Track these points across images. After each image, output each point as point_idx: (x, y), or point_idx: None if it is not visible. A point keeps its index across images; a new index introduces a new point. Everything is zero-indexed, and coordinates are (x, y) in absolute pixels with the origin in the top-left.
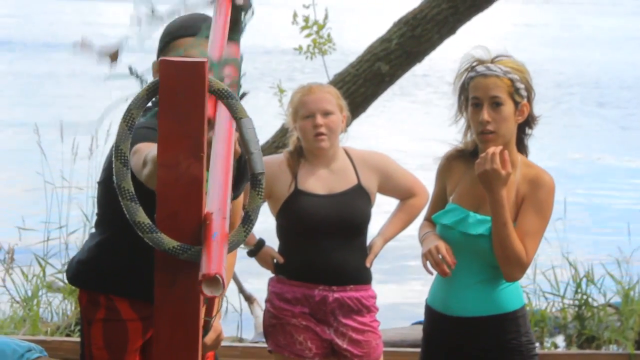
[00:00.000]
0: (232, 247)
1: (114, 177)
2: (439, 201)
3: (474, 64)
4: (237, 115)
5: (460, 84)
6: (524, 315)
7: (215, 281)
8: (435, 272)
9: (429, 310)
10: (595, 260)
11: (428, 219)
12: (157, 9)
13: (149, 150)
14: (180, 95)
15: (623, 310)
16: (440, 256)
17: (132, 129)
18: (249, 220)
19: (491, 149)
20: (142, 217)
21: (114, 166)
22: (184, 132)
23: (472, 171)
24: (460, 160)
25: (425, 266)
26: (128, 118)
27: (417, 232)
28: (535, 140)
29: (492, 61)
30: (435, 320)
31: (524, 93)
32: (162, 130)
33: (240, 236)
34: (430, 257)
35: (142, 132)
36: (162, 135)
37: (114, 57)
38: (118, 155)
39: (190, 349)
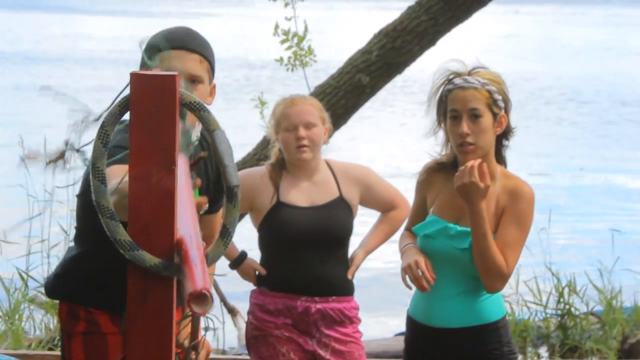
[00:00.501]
0: (212, 261)
1: (93, 195)
2: (419, 212)
3: (451, 76)
4: (210, 128)
5: (437, 97)
6: (505, 325)
7: (203, 297)
8: (414, 287)
9: (411, 321)
10: (578, 270)
11: (408, 229)
12: (93, 113)
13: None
14: (151, 109)
15: (606, 319)
16: (419, 272)
17: (107, 145)
18: (226, 233)
19: (469, 163)
20: (122, 234)
21: (92, 184)
22: (156, 145)
23: (451, 183)
24: (439, 172)
25: (404, 280)
26: (102, 135)
27: (398, 242)
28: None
29: (469, 73)
30: (417, 331)
31: (501, 104)
32: (134, 143)
33: (220, 249)
34: (409, 271)
35: (111, 151)
36: (134, 147)
37: (60, 158)
38: (95, 174)
39: (164, 359)
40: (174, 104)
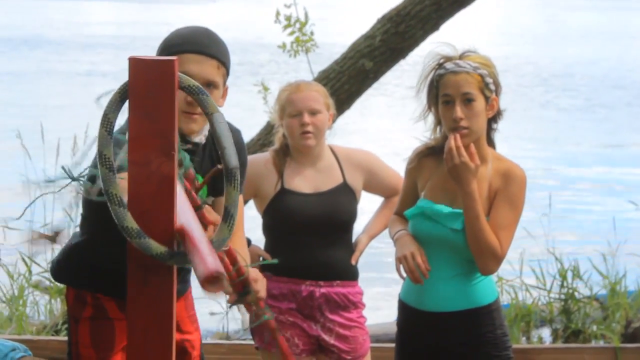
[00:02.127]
0: (219, 245)
1: (102, 183)
2: (409, 197)
3: (441, 61)
4: (209, 111)
5: (428, 81)
6: (498, 308)
7: (217, 279)
8: (406, 275)
9: (403, 305)
10: (582, 254)
11: (398, 213)
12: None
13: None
14: (150, 94)
15: (609, 304)
16: (415, 264)
17: (111, 133)
18: (229, 215)
19: (452, 142)
20: (130, 222)
21: (99, 172)
22: (155, 131)
23: (442, 167)
24: (430, 156)
25: (398, 270)
26: (106, 123)
27: (389, 226)
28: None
29: (460, 57)
30: (409, 316)
31: (492, 87)
32: (133, 128)
33: (225, 233)
34: (405, 262)
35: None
36: (133, 133)
37: (54, 238)
38: (103, 162)
39: (164, 347)
40: (172, 89)
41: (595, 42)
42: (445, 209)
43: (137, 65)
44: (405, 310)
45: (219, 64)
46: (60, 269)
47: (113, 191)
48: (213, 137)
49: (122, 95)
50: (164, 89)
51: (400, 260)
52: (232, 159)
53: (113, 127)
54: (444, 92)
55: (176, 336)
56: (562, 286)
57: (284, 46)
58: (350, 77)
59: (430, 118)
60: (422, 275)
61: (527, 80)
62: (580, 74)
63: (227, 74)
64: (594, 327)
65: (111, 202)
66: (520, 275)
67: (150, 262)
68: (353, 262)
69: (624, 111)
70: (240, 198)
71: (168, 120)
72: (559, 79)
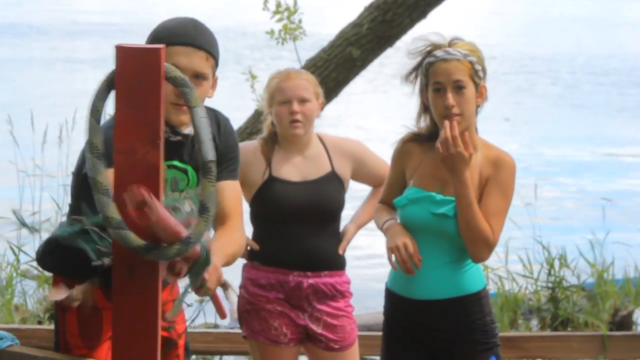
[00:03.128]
0: (196, 240)
1: (88, 170)
2: (396, 185)
3: (429, 48)
4: (191, 104)
5: (414, 66)
6: (486, 295)
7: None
8: (399, 267)
9: (390, 294)
10: (569, 242)
11: (384, 202)
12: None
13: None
14: (136, 82)
15: (597, 292)
16: (407, 255)
17: (99, 121)
18: (205, 209)
19: (448, 132)
20: (112, 212)
21: (88, 160)
22: (141, 119)
23: (431, 154)
24: (417, 143)
25: (390, 260)
26: (94, 111)
27: (374, 215)
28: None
29: (449, 44)
30: (397, 304)
31: (482, 74)
32: (119, 117)
33: (202, 227)
34: (397, 253)
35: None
36: (119, 122)
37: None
38: (92, 150)
39: (150, 337)
40: (159, 78)
41: (580, 30)
42: (437, 196)
43: (124, 53)
44: (393, 298)
45: (207, 56)
46: (48, 257)
47: (100, 179)
48: (193, 129)
49: (109, 83)
50: (151, 77)
51: (393, 250)
52: (209, 153)
53: (101, 115)
54: (435, 79)
55: (162, 324)
56: (549, 274)
57: (272, 33)
58: (337, 65)
59: (416, 104)
60: (415, 266)
61: (506, 67)
62: (562, 61)
63: (216, 65)
64: (582, 316)
65: (96, 190)
66: (506, 264)
67: (136, 254)
68: (340, 252)
69: (602, 98)
70: (237, 184)
71: (154, 109)
72: (539, 66)
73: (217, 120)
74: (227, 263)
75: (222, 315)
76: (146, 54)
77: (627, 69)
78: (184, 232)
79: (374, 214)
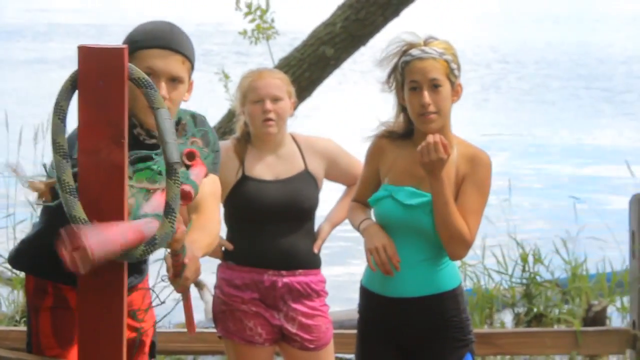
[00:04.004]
0: (162, 241)
1: (55, 169)
2: (370, 183)
3: (405, 47)
4: (155, 105)
5: (392, 67)
6: (462, 292)
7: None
8: (377, 268)
9: (365, 292)
10: (542, 239)
11: (358, 200)
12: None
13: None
14: (99, 82)
15: (570, 288)
16: (386, 256)
17: (64, 120)
18: (170, 210)
19: (430, 138)
20: (79, 211)
21: (53, 159)
22: (105, 119)
23: (406, 152)
24: (391, 140)
25: (369, 261)
26: (58, 111)
27: (349, 214)
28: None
29: (424, 43)
30: (372, 302)
31: (457, 73)
32: (82, 117)
33: (167, 228)
34: (376, 255)
35: None
36: (82, 122)
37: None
38: (56, 149)
39: (115, 337)
40: (122, 78)
41: (552, 26)
42: (415, 192)
43: (86, 53)
44: (368, 296)
45: (183, 59)
46: (20, 256)
47: (65, 178)
48: (157, 131)
49: (73, 83)
50: (114, 78)
51: (371, 251)
52: (174, 154)
53: (66, 114)
54: (411, 78)
55: (132, 324)
56: (523, 270)
57: (244, 33)
58: (311, 64)
59: (392, 101)
60: (394, 268)
61: (475, 62)
62: (532, 57)
63: (192, 68)
64: (556, 311)
65: (62, 190)
66: (482, 260)
67: None
68: (315, 251)
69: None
70: (215, 177)
71: (118, 109)
72: (508, 62)
73: (195, 121)
74: (204, 254)
75: (191, 329)
76: (109, 54)
77: (593, 64)
78: (148, 234)
79: (348, 213)
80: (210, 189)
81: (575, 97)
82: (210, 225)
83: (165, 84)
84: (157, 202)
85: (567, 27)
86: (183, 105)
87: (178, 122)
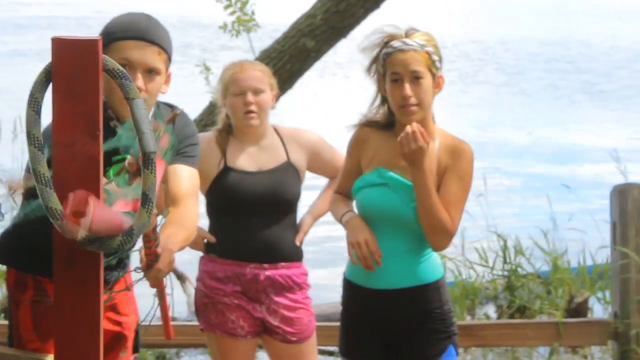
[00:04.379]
0: (139, 231)
1: (30, 161)
2: (352, 174)
3: (386, 39)
4: (130, 96)
5: (372, 58)
6: (444, 284)
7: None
8: (358, 262)
9: (348, 284)
10: (522, 231)
11: (340, 192)
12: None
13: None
14: (74, 74)
15: (552, 279)
16: (368, 251)
17: (39, 112)
18: (147, 200)
19: (409, 128)
20: (55, 202)
21: (28, 151)
22: (79, 111)
23: (388, 142)
24: (373, 131)
25: (350, 255)
26: (33, 103)
27: (330, 206)
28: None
29: (406, 35)
30: (355, 294)
31: (438, 65)
32: (57, 109)
33: (144, 218)
34: (358, 249)
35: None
36: (57, 114)
37: (16, 187)
38: (31, 141)
39: (92, 330)
40: (96, 70)
41: (534, 18)
42: (395, 177)
43: (60, 45)
44: (351, 288)
45: (160, 50)
46: (2, 249)
47: (41, 170)
48: (133, 121)
49: (48, 75)
50: (88, 69)
51: (353, 245)
52: (150, 144)
53: (40, 106)
54: (393, 70)
55: (114, 317)
56: (504, 262)
57: (224, 26)
58: (291, 57)
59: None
60: (375, 263)
61: (453, 55)
62: (512, 50)
63: (169, 60)
64: (538, 303)
65: (38, 181)
66: (462, 253)
67: (76, 246)
68: (297, 243)
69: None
70: (193, 170)
71: (93, 101)
72: (485, 53)
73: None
74: (180, 249)
75: (168, 334)
76: (83, 45)
77: (571, 55)
78: (126, 224)
79: (330, 205)
80: (187, 180)
81: (553, 87)
82: (187, 220)
83: (142, 75)
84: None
85: (549, 20)
86: (161, 98)
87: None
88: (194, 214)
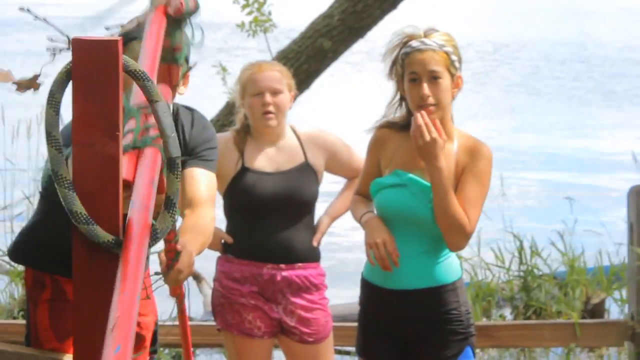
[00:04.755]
0: (162, 234)
1: (50, 164)
2: (372, 175)
3: (405, 39)
4: (153, 99)
5: (392, 59)
6: (462, 285)
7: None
8: (376, 262)
9: (366, 284)
10: (540, 232)
11: (360, 193)
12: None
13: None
14: (94, 75)
15: (568, 280)
16: (386, 252)
17: (58, 112)
18: (171, 204)
19: (419, 120)
20: (78, 206)
21: (48, 153)
22: (99, 112)
23: (407, 143)
24: (392, 132)
25: (368, 256)
26: (53, 102)
27: (351, 207)
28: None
29: (425, 35)
30: (373, 294)
31: (457, 65)
32: (77, 109)
33: (168, 222)
34: (375, 250)
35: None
36: (77, 114)
37: (34, 85)
38: (51, 142)
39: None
40: (116, 70)
41: (546, 19)
42: (414, 179)
43: (80, 46)
44: (369, 288)
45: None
46: (18, 249)
47: (62, 173)
48: (157, 125)
49: (68, 74)
50: (108, 70)
51: (371, 246)
52: (174, 149)
53: (59, 106)
54: (411, 69)
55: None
56: (520, 263)
57: (242, 25)
58: (309, 57)
59: (392, 93)
60: (392, 264)
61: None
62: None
63: (187, 59)
64: (554, 304)
65: (60, 185)
66: (478, 254)
67: (96, 247)
68: (315, 244)
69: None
70: (211, 174)
71: (112, 101)
72: (501, 54)
73: (192, 117)
74: (197, 253)
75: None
76: (103, 46)
77: (585, 57)
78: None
79: (351, 205)
80: (205, 187)
81: (567, 88)
82: (204, 225)
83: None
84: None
85: (562, 19)
86: (180, 100)
87: (175, 115)
88: (210, 219)
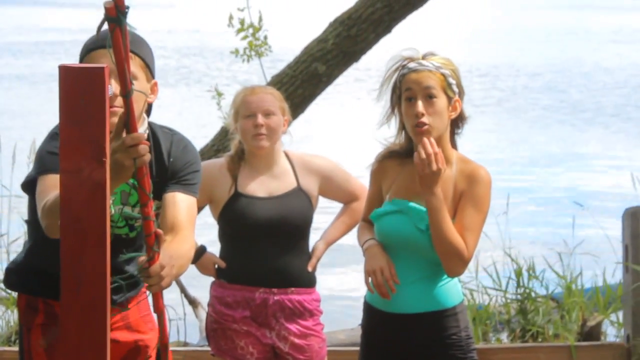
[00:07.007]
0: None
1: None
2: (375, 202)
3: (404, 62)
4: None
5: (392, 82)
6: (463, 310)
7: None
8: (374, 290)
9: (368, 307)
10: (537, 254)
11: (365, 220)
12: None
13: (47, 197)
14: (80, 101)
15: (565, 303)
16: (384, 279)
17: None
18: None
19: (427, 146)
20: None
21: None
22: (86, 138)
23: (407, 168)
24: (393, 160)
25: (367, 283)
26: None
27: (357, 233)
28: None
29: (423, 57)
30: (375, 318)
31: (455, 89)
32: (64, 136)
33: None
34: (373, 277)
35: (48, 158)
36: (64, 141)
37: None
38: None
39: (98, 355)
40: (103, 96)
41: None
42: (412, 206)
43: (67, 73)
44: (371, 312)
45: (133, 55)
46: (11, 276)
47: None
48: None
49: None
50: (95, 96)
51: (369, 273)
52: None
53: None
54: (406, 87)
55: (130, 336)
56: (518, 286)
57: (236, 52)
58: (303, 81)
59: (393, 123)
60: (390, 291)
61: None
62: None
63: (147, 66)
64: (551, 327)
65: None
66: (476, 278)
67: (83, 271)
68: (310, 269)
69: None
70: (192, 199)
71: (99, 127)
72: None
73: (172, 138)
74: (176, 276)
75: None
76: (89, 73)
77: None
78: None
79: (357, 232)
80: (185, 213)
81: (558, 111)
82: (183, 251)
83: (115, 81)
84: None
85: (558, 43)
86: (172, 121)
87: (154, 135)
88: (190, 245)
